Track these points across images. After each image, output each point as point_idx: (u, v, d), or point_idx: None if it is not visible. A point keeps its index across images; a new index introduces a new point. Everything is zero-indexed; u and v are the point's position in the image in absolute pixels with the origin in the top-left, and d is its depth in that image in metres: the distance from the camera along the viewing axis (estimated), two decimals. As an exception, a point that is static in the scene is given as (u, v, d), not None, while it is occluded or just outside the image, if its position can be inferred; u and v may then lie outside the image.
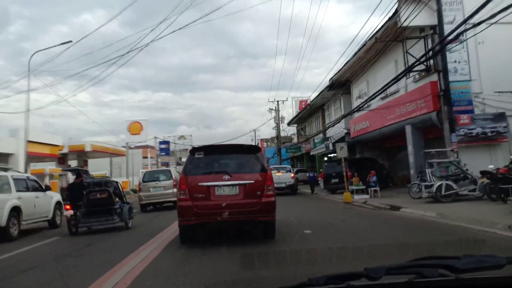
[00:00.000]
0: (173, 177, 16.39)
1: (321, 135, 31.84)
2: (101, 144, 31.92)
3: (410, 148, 16.73)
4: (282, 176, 21.02)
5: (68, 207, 9.97)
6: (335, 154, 26.48)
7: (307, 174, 21.33)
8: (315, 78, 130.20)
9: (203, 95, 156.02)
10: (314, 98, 29.39)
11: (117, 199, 10.40)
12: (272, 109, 41.28)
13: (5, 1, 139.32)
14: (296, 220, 9.94)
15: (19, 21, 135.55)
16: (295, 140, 47.03)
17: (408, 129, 16.69)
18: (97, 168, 46.33)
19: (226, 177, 6.67)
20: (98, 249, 7.53)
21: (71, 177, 21.49)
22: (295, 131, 49.30)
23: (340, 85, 24.31)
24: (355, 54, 19.99)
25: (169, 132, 70.87)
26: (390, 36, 17.25)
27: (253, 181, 6.70)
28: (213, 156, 7.24)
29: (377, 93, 16.64)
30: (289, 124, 43.67)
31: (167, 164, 69.15)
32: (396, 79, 14.90)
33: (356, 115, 22.22)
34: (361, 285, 1.28)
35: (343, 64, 21.77)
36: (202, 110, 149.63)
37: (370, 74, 20.76)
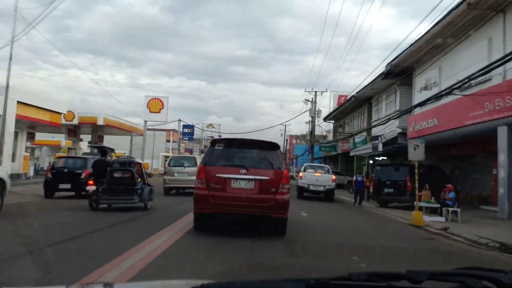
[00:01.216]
0: (198, 164, 15.15)
1: (364, 134, 27.33)
2: (116, 119, 28.69)
3: (502, 158, 12.17)
4: (321, 178, 17.12)
5: (91, 182, 10.11)
6: (383, 157, 22.54)
7: (354, 178, 16.81)
8: (352, 80, 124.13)
9: (236, 86, 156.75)
10: (362, 89, 24.84)
11: (139, 179, 10.42)
12: (308, 100, 36.92)
13: None
14: (348, 250, 6.30)
15: None
16: (330, 138, 42.46)
17: (503, 132, 12.13)
18: (115, 146, 43.86)
19: (243, 171, 6.81)
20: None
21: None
22: (331, 128, 44.72)
23: (399, 73, 19.72)
24: (428, 31, 15.43)
25: (199, 120, 71.60)
26: (488, 3, 12.66)
27: (269, 178, 6.81)
28: (232, 149, 7.35)
29: (464, 81, 12.05)
30: (325, 119, 39.17)
31: (191, 151, 66.35)
32: (502, 61, 10.31)
33: (417, 111, 17.68)
34: (402, 287, 1.21)
35: (409, 45, 17.20)
36: (233, 102, 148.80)
37: (445, 58, 16.10)
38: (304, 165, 18.58)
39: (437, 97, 14.59)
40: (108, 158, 11.73)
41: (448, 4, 19.76)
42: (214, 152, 7.23)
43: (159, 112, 30.90)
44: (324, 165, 19.96)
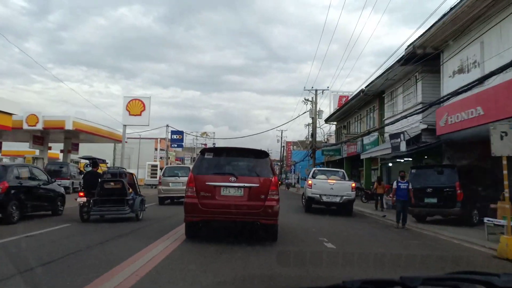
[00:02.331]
0: None
1: (375, 134, 23.86)
2: (89, 123, 24.94)
3: None
4: (337, 186, 13.22)
5: (81, 194, 9.99)
6: (406, 159, 18.77)
7: (394, 186, 11.68)
8: (347, 86, 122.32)
9: (230, 95, 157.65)
10: (376, 79, 21.36)
11: (130, 190, 10.38)
12: (308, 100, 33.46)
13: None
14: None
15: (59, 10, 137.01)
16: (332, 142, 38.97)
17: None
18: (95, 155, 40.05)
19: (233, 178, 6.93)
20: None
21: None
22: (332, 132, 41.27)
23: (421, 57, 16.30)
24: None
25: (194, 130, 70.45)
26: None
27: (258, 185, 6.92)
28: (222, 158, 7.49)
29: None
30: (327, 120, 35.71)
31: (182, 160, 62.58)
32: None
33: (446, 102, 14.20)
34: None
35: (442, 16, 13.77)
36: (228, 111, 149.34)
37: (490, 32, 12.67)
38: (313, 170, 14.94)
39: (485, 78, 11.12)
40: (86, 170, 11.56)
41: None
42: (203, 161, 7.36)
43: (140, 114, 27.19)
44: (339, 170, 16.02)
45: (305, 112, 33.92)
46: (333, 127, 39.60)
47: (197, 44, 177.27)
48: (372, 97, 24.05)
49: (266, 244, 6.98)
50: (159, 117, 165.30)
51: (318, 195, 12.86)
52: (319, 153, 44.74)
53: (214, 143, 74.84)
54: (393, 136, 17.55)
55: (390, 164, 20.01)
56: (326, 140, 39.83)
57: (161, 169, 45.64)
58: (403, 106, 19.75)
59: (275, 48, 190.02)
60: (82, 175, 11.12)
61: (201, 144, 72.60)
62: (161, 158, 51.16)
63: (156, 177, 40.95)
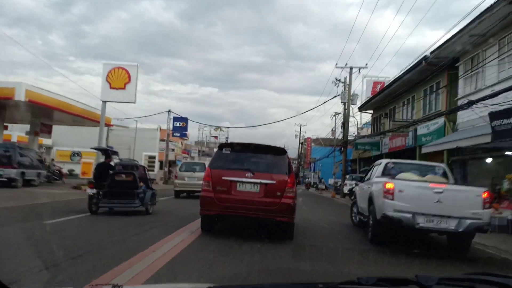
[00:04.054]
0: None
1: (439, 121, 17.18)
2: (52, 94, 18.87)
3: None
4: (450, 197, 6.17)
5: (91, 185, 9.88)
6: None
7: None
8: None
9: (247, 93, 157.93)
10: (448, 41, 14.64)
11: (141, 183, 10.20)
12: (339, 80, 26.71)
13: None
14: None
15: (82, 3, 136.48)
16: (363, 134, 32.10)
17: None
18: (78, 141, 34.25)
19: (249, 174, 6.90)
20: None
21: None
22: (362, 124, 34.41)
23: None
24: None
25: (210, 127, 67.01)
26: None
27: (274, 182, 6.86)
28: (239, 154, 7.45)
29: None
30: (361, 108, 28.90)
31: (189, 153, 56.58)
32: None
33: None
34: None
35: None
36: (245, 109, 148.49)
37: None
38: (383, 164, 7.96)
39: None
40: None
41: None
42: (221, 156, 7.41)
43: (124, 87, 20.98)
44: (433, 164, 8.38)
45: (334, 97, 27.29)
46: (363, 120, 32.85)
47: (216, 41, 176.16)
48: (437, 69, 17.23)
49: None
50: (178, 113, 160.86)
51: (409, 215, 6.12)
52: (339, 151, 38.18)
53: (227, 138, 69.70)
54: (498, 115, 10.76)
55: (489, 160, 13.13)
56: (357, 133, 32.99)
57: (160, 161, 39.93)
58: (499, 75, 12.98)
59: (294, 47, 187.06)
60: (95, 167, 10.82)
61: (212, 136, 66.97)
62: (160, 149, 45.29)
63: (153, 170, 35.12)
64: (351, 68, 25.94)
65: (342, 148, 26.57)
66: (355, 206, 9.60)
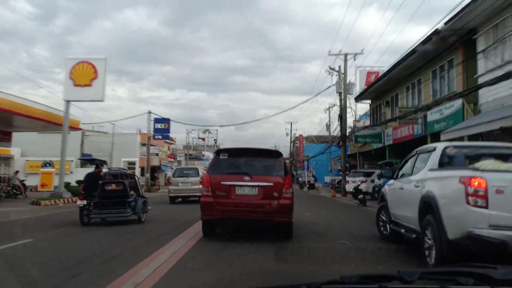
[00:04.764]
0: (200, 174, 17.44)
1: (450, 105, 14.97)
2: (5, 95, 16.03)
3: None
4: None
5: (81, 196, 9.83)
6: None
7: None
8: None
9: (236, 96, 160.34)
10: (463, 10, 12.36)
11: (132, 192, 10.12)
12: (333, 69, 24.34)
13: None
14: None
15: (66, 14, 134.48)
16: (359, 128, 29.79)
17: None
18: (45, 149, 31.17)
19: (247, 178, 7.01)
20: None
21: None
22: (358, 116, 32.13)
23: None
24: None
25: (199, 130, 64.61)
26: None
27: (272, 184, 6.99)
28: (236, 158, 7.58)
29: None
30: (358, 99, 26.59)
31: (175, 157, 53.73)
32: None
33: None
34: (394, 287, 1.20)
35: None
36: (234, 111, 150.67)
37: None
38: (442, 150, 5.07)
39: None
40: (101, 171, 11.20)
41: None
42: (219, 161, 7.51)
43: (90, 84, 18.25)
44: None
45: (329, 87, 24.89)
46: (359, 112, 30.60)
47: (203, 45, 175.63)
48: (449, 44, 14.97)
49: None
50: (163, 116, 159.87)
51: None
52: (335, 147, 35.81)
53: (215, 140, 67.05)
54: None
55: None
56: (353, 126, 30.67)
57: (141, 168, 37.12)
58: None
59: (281, 48, 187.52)
60: (84, 177, 10.61)
61: (200, 138, 64.28)
62: (141, 154, 42.39)
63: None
64: (345, 55, 23.60)
65: (341, 143, 24.17)
66: (384, 212, 7.13)
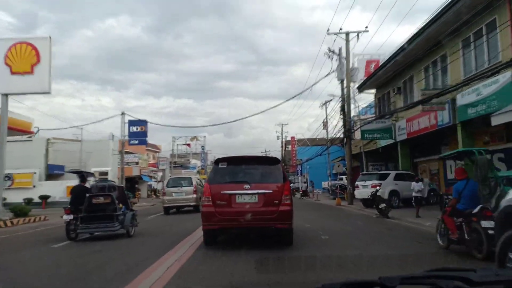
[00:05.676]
0: (194, 184, 17.79)
1: (495, 81, 11.58)
2: None
3: None
4: None
5: (67, 211, 9.50)
6: None
7: None
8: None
9: (223, 102, 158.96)
10: None
11: (120, 205, 9.85)
12: (332, 51, 20.79)
13: (35, 6, 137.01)
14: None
15: (46, 25, 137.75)
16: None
17: None
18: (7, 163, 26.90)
19: (247, 186, 7.05)
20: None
21: None
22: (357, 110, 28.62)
23: None
24: None
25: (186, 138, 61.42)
26: None
27: (271, 191, 7.05)
28: (235, 167, 7.67)
29: None
30: (361, 88, 23.05)
31: (158, 166, 49.57)
32: None
33: None
34: None
35: None
36: (222, 118, 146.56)
37: None
38: None
39: None
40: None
41: None
42: (218, 171, 7.61)
43: (31, 71, 14.38)
44: None
45: (328, 74, 21.30)
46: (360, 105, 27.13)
47: (187, 52, 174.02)
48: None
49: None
50: (153, 128, 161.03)
51: None
52: (333, 148, 32.22)
53: (202, 146, 63.47)
54: None
55: None
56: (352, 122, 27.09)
57: (126, 177, 33.01)
58: None
59: (265, 52, 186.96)
60: (70, 190, 10.39)
61: (185, 144, 60.48)
62: (127, 163, 38.18)
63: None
64: (347, 34, 20.05)
65: (345, 140, 20.53)
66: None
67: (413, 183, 13.25)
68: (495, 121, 10.41)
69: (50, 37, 14.62)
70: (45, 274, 5.85)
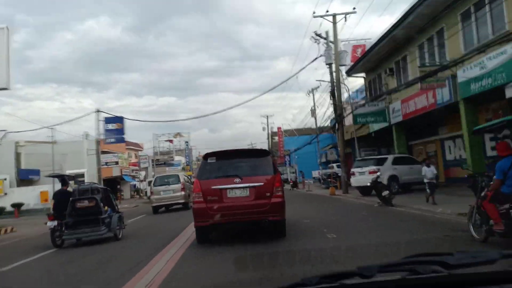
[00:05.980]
0: (181, 181, 17.60)
1: (501, 52, 10.70)
2: None
3: None
4: None
5: (51, 217, 9.25)
6: None
7: None
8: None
9: (207, 98, 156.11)
10: None
11: (106, 207, 9.58)
12: (319, 35, 19.69)
13: (12, 10, 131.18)
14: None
15: (24, 29, 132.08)
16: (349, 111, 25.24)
17: None
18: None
19: (237, 180, 6.97)
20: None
21: None
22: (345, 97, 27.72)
23: None
24: None
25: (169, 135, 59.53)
26: None
27: (262, 183, 6.99)
28: (224, 161, 7.52)
29: None
30: (349, 72, 22.08)
31: (139, 165, 47.85)
32: None
33: None
34: (354, 284, 1.21)
35: None
36: (206, 114, 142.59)
37: None
38: None
39: None
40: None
41: None
42: (207, 166, 7.44)
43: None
44: None
45: (316, 59, 20.21)
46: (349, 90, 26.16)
47: (169, 50, 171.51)
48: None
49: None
50: (135, 127, 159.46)
51: None
52: (322, 136, 31.37)
53: (187, 142, 61.94)
54: None
55: None
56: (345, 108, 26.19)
57: (104, 179, 31.26)
58: None
59: (248, 48, 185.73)
60: (52, 196, 10.17)
61: (167, 141, 58.85)
62: (106, 164, 36.42)
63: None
64: (334, 16, 18.96)
65: (337, 125, 19.54)
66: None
67: (424, 167, 11.50)
68: (510, 92, 9.52)
69: (7, 27, 13.00)
70: (30, 286, 5.71)
